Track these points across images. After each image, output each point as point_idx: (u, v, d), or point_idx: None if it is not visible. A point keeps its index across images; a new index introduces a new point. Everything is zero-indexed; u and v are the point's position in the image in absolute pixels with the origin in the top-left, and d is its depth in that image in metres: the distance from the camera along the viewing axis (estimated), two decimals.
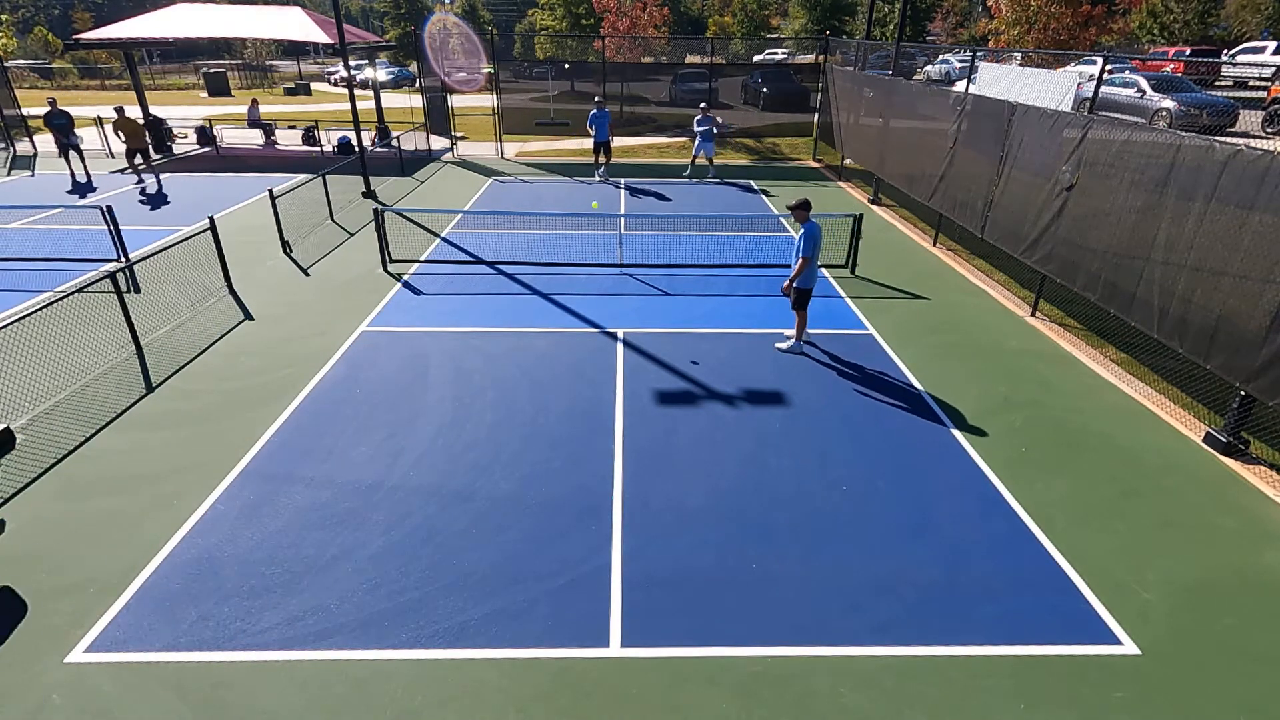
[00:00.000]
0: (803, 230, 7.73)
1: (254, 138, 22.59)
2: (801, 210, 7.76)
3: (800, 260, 7.70)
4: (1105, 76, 8.79)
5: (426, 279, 10.58)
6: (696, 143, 17.19)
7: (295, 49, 55.62)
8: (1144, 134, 7.63)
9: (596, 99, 17.65)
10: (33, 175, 17.72)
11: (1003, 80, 11.66)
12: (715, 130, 17.42)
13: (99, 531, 5.24)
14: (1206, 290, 6.60)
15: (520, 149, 21.54)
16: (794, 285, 7.83)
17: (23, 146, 21.13)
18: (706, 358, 8.08)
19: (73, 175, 16.89)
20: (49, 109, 16.35)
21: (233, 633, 4.38)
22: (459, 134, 22.52)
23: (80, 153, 16.75)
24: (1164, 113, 16.79)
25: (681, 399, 7.21)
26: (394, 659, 4.23)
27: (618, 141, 21.05)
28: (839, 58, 19.71)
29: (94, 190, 15.79)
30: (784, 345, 8.31)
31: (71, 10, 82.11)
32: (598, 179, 17.40)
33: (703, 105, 17.35)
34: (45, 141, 21.31)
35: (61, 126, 16.25)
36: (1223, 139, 6.65)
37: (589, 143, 20.66)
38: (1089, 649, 4.37)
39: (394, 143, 18.83)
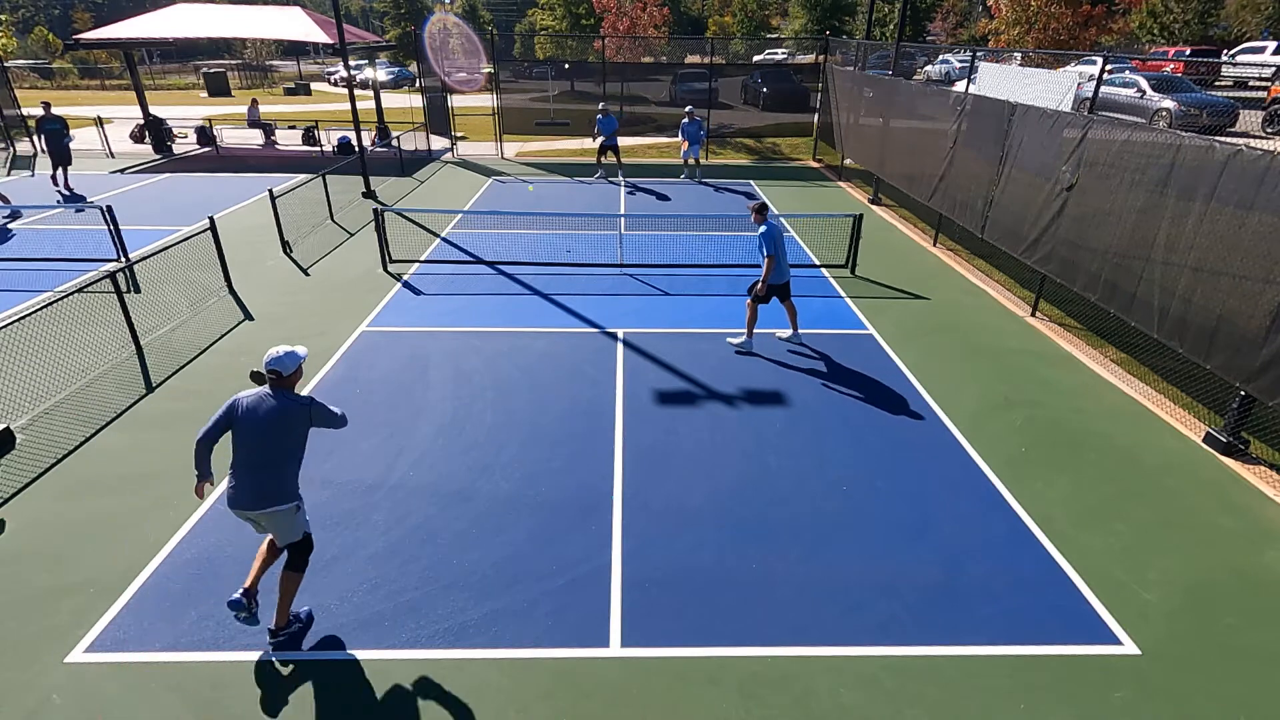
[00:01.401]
0: (763, 230, 7.77)
1: (254, 138, 22.59)
2: (760, 213, 7.90)
3: (767, 259, 7.73)
4: (1105, 76, 8.79)
5: (426, 279, 10.58)
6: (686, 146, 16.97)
7: (295, 49, 55.58)
8: (1144, 134, 7.63)
9: (601, 105, 17.46)
10: (33, 175, 17.71)
11: (1003, 80, 11.67)
12: (704, 133, 17.03)
13: (99, 531, 5.24)
14: (1206, 290, 6.60)
15: (520, 149, 21.54)
16: (765, 283, 7.83)
17: (23, 146, 21.12)
18: (706, 357, 8.08)
19: (64, 184, 15.95)
20: (43, 114, 15.58)
21: (233, 633, 4.38)
22: (459, 134, 22.51)
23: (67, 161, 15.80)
24: (1164, 113, 16.79)
25: (681, 399, 7.21)
26: (394, 659, 4.23)
27: (618, 141, 21.05)
28: (839, 58, 19.72)
29: (83, 195, 15.36)
30: (736, 341, 8.33)
31: (71, 10, 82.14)
32: (595, 179, 17.41)
33: (689, 109, 16.96)
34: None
35: (55, 132, 15.42)
36: (1223, 139, 6.65)
37: (590, 143, 20.70)
38: (1089, 649, 4.37)
39: (394, 143, 18.83)
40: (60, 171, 15.85)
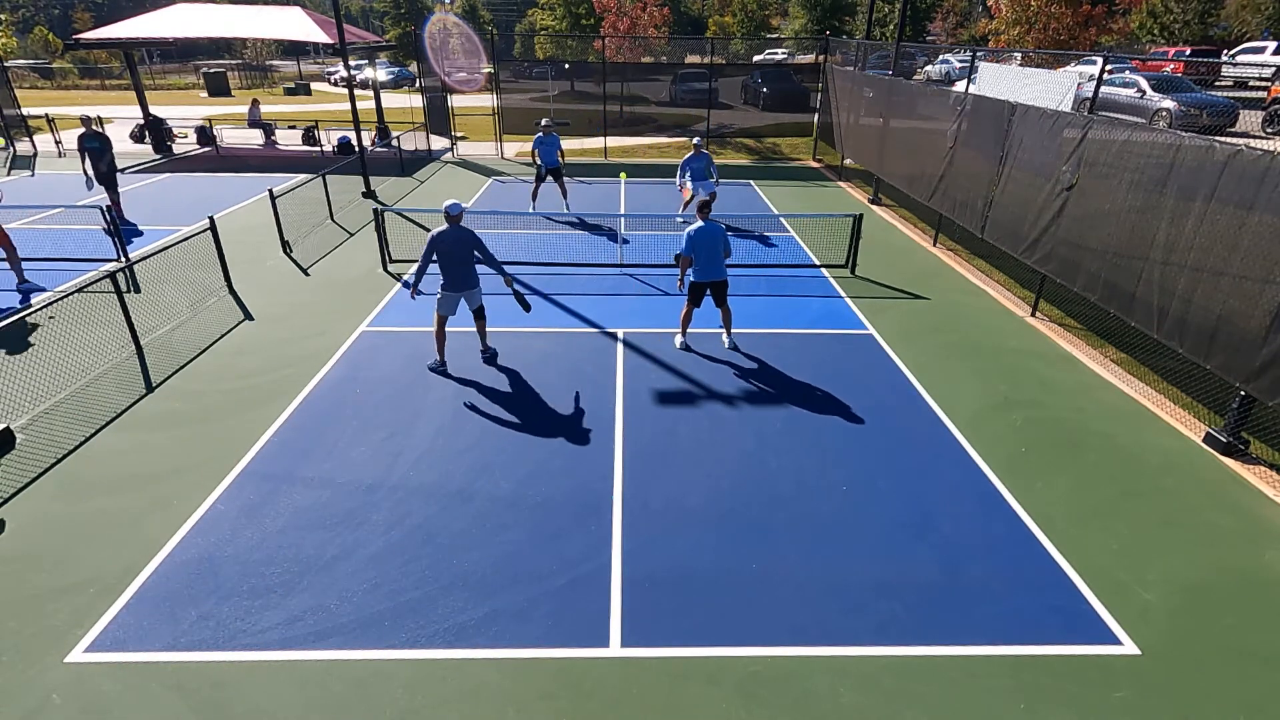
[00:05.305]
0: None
1: (254, 138, 22.58)
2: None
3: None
4: (1105, 77, 8.79)
5: (427, 279, 10.52)
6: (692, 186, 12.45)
7: (295, 49, 55.61)
8: (1144, 134, 7.63)
9: (544, 121, 13.61)
10: (33, 175, 17.72)
11: (1003, 80, 11.66)
12: (712, 171, 12.57)
13: (99, 531, 5.24)
14: (1206, 290, 6.60)
15: (520, 149, 21.51)
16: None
17: (23, 146, 21.12)
18: (706, 357, 8.08)
19: (116, 212, 13.09)
20: (84, 130, 12.87)
21: (233, 633, 4.38)
22: (459, 134, 22.51)
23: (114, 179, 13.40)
24: (1164, 113, 16.79)
25: (681, 399, 7.21)
26: (394, 659, 4.23)
27: (618, 141, 21.02)
28: (839, 58, 19.71)
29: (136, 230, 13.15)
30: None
31: (71, 10, 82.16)
32: (531, 211, 13.65)
33: (695, 141, 12.59)
34: (45, 141, 21.32)
35: (94, 151, 12.88)
36: (1223, 139, 6.65)
37: (589, 143, 20.70)
38: (1089, 649, 4.37)
39: (394, 143, 18.84)
40: (110, 194, 13.29)
